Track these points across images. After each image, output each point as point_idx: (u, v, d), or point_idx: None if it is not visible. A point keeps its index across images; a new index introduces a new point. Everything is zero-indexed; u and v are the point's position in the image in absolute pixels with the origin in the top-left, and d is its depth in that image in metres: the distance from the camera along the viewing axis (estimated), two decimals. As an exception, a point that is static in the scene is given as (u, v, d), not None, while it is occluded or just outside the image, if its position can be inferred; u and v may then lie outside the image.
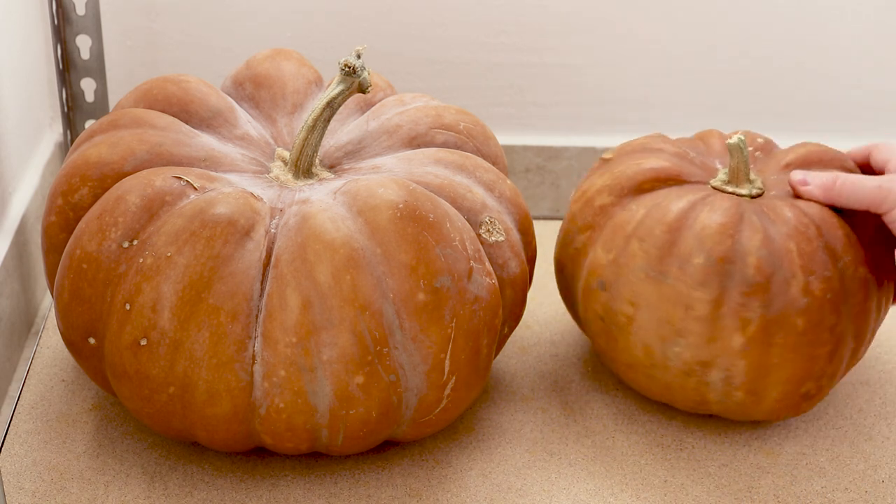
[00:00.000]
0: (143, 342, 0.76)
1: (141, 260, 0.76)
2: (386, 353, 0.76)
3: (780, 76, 1.22)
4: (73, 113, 1.15)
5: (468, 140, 0.90)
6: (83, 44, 1.13)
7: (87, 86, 1.14)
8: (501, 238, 0.83)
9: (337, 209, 0.79)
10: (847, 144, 1.26)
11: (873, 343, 1.01)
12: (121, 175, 0.82)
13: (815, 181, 0.85)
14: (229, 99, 0.91)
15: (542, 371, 0.96)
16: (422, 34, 1.19)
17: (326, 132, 0.89)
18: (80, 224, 0.80)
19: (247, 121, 0.90)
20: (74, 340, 0.81)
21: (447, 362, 0.78)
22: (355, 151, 0.88)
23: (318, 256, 0.76)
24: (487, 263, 0.81)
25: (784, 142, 0.97)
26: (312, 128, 0.84)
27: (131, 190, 0.79)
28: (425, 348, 0.77)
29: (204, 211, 0.77)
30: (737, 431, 0.90)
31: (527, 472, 0.86)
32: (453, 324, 0.78)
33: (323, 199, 0.81)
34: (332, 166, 0.87)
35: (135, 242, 0.78)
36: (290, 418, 0.77)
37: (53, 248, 0.84)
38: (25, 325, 1.01)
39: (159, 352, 0.76)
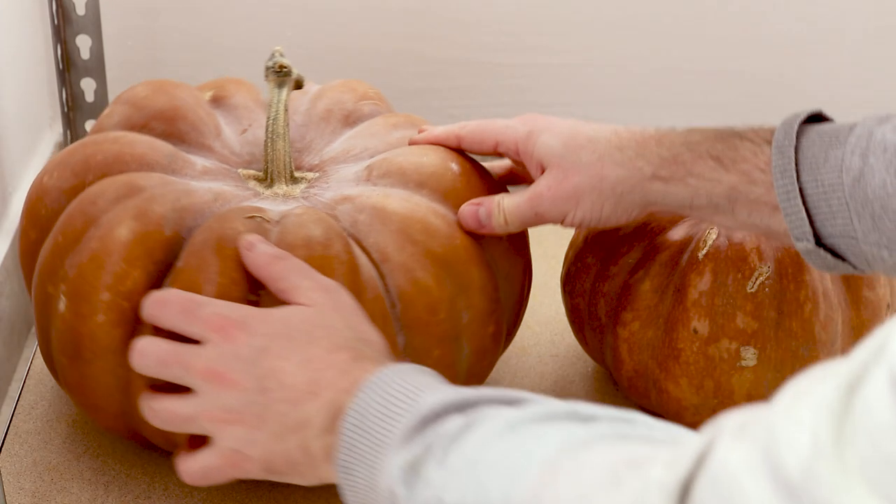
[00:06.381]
0: None
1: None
2: (499, 297, 0.82)
3: (781, 76, 1.23)
4: (73, 113, 1.15)
5: (381, 104, 0.93)
6: (83, 44, 1.13)
7: (87, 86, 1.14)
8: None
9: (392, 191, 0.81)
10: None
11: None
12: (169, 241, 0.77)
13: None
14: (169, 144, 0.85)
15: (542, 371, 0.96)
16: (422, 34, 1.19)
17: (254, 136, 0.88)
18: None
19: (195, 157, 0.85)
20: None
21: (526, 288, 0.87)
22: (305, 148, 0.88)
23: (424, 235, 0.78)
24: None
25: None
26: (283, 134, 0.84)
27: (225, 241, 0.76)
28: (517, 283, 0.85)
29: (311, 239, 0.76)
30: (737, 431, 0.90)
31: (527, 472, 0.85)
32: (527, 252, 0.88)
33: (365, 189, 0.82)
34: (297, 167, 0.87)
35: (260, 293, 0.75)
36: None
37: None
38: (25, 325, 1.01)
39: None
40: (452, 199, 0.82)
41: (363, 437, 0.63)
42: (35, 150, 1.11)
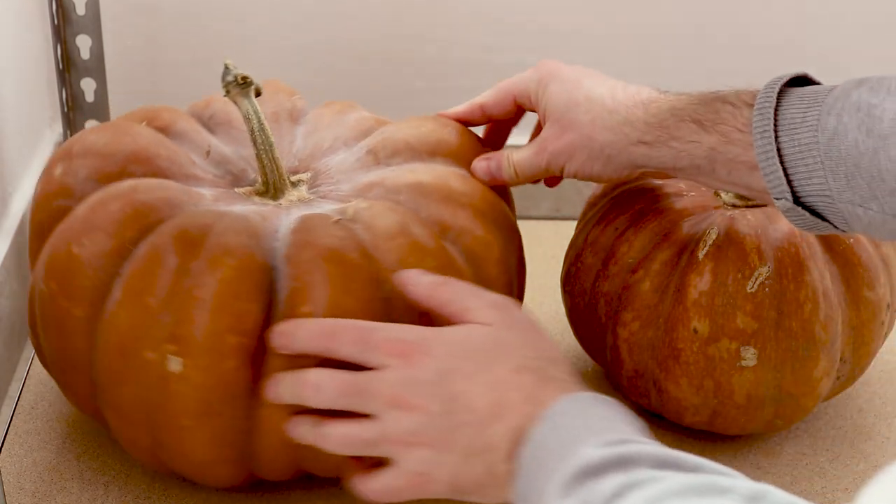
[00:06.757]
0: None
1: None
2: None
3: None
4: (73, 113, 1.15)
5: (302, 98, 0.93)
6: (83, 44, 1.13)
7: (87, 86, 1.15)
8: None
9: (412, 166, 0.83)
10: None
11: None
12: (264, 267, 0.74)
13: None
14: (173, 181, 0.82)
15: (542, 371, 0.96)
16: (422, 34, 1.19)
17: (219, 155, 0.87)
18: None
19: (194, 189, 0.82)
20: None
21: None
22: None
23: (465, 197, 0.81)
24: None
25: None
26: (273, 143, 0.83)
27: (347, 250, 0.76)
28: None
29: (400, 225, 0.77)
30: (737, 431, 0.90)
31: (527, 472, 0.85)
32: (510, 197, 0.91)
33: (382, 172, 0.83)
34: None
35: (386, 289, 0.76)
36: None
37: None
38: (25, 325, 1.01)
39: None
40: (461, 159, 0.85)
41: (538, 470, 0.63)
42: (35, 150, 1.11)
